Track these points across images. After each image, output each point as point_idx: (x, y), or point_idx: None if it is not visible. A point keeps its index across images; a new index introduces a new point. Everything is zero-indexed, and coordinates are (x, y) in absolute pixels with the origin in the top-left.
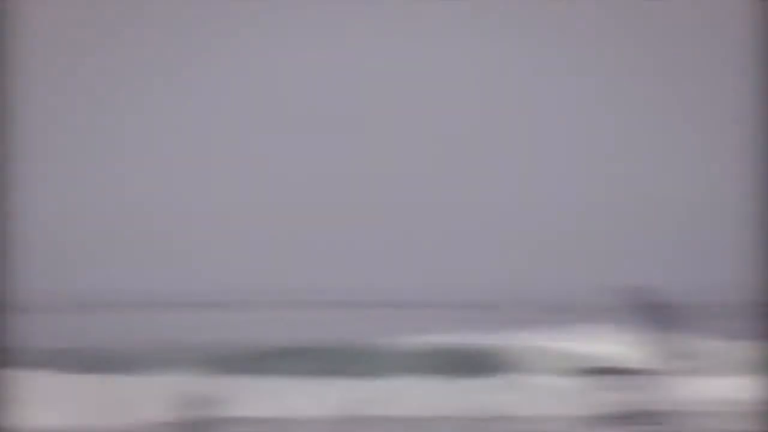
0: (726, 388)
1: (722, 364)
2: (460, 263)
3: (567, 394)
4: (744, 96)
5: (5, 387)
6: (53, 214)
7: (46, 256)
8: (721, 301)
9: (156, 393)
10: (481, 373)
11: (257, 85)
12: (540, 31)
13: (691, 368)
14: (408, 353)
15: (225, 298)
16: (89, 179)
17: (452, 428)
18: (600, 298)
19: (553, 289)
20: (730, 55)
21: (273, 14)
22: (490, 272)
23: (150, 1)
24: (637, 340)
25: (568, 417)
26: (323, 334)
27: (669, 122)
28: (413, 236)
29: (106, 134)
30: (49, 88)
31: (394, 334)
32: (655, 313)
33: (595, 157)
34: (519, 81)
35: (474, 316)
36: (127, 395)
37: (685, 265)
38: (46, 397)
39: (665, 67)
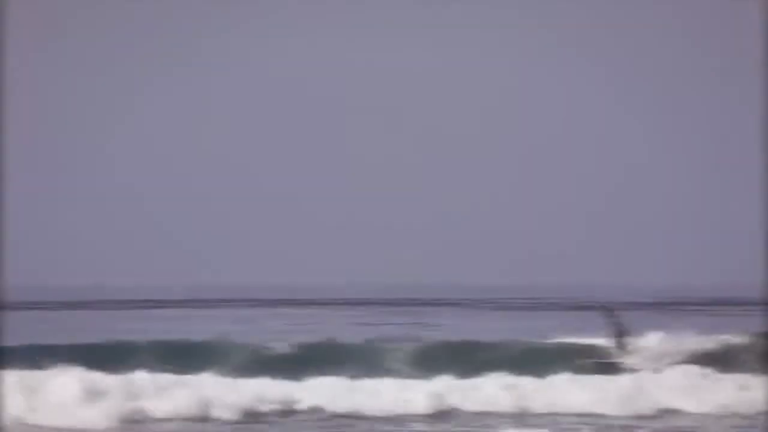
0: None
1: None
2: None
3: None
4: (755, 97)
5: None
6: (41, 214)
7: (35, 255)
8: (734, 299)
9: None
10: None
11: (250, 87)
12: (558, 33)
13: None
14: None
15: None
16: (77, 179)
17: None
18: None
19: (557, 288)
20: (743, 56)
21: (261, 15)
22: (495, 271)
23: (144, 2)
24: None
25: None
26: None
27: (682, 123)
28: (413, 235)
29: (94, 135)
30: (38, 87)
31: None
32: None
33: (605, 158)
34: (528, 80)
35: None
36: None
37: (696, 264)
38: (37, 395)
39: (678, 68)
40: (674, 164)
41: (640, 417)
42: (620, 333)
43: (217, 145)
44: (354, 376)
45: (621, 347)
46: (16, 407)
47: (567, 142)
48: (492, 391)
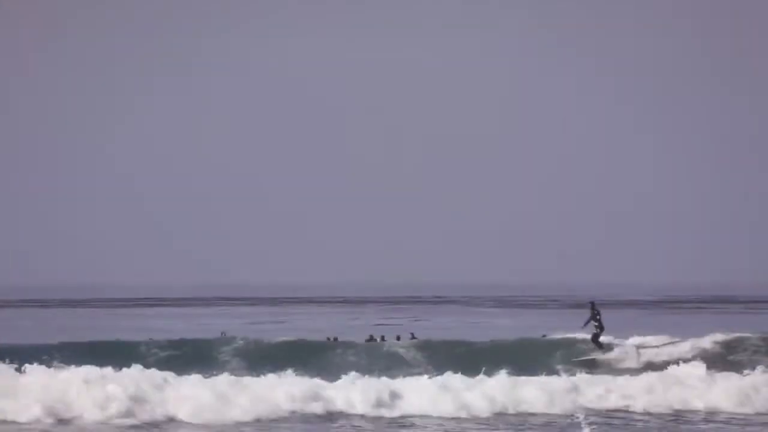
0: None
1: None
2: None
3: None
4: (755, 97)
5: None
6: (41, 213)
7: (35, 255)
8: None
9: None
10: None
11: (250, 88)
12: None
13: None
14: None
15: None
16: (77, 179)
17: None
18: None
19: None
20: (743, 56)
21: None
22: (495, 270)
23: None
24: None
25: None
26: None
27: (682, 123)
28: (409, 233)
29: (94, 135)
30: (38, 87)
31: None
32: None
33: (605, 159)
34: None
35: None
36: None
37: (696, 263)
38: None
39: (678, 69)
40: (675, 164)
41: (677, 414)
42: (600, 330)
43: (217, 145)
44: (366, 374)
45: (599, 344)
46: (27, 405)
47: (567, 143)
48: (529, 391)
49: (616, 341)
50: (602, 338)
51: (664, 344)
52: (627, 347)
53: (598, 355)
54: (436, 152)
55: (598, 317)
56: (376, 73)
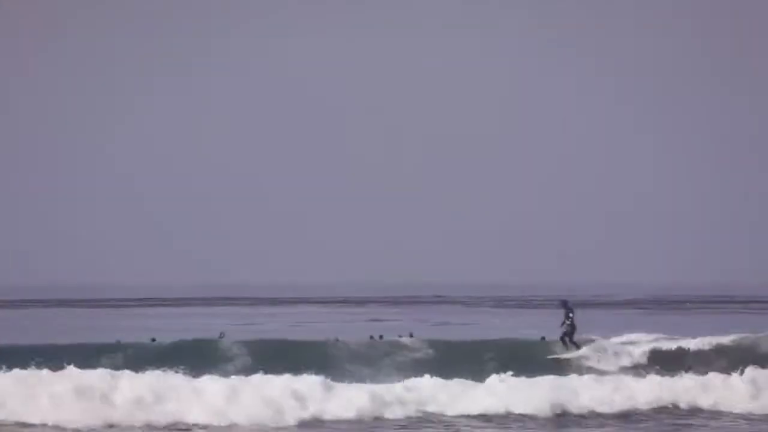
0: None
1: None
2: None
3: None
4: (755, 97)
5: None
6: (41, 213)
7: (35, 255)
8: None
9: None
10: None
11: (251, 88)
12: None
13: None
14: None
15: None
16: (77, 179)
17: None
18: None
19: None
20: (743, 56)
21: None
22: (495, 270)
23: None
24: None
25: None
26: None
27: (682, 123)
28: (409, 233)
29: (94, 135)
30: (39, 87)
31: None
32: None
33: (605, 159)
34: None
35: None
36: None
37: (696, 264)
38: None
39: (678, 69)
40: (675, 164)
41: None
42: (573, 329)
43: (217, 145)
44: (371, 374)
45: (574, 344)
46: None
47: (567, 143)
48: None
49: (605, 341)
50: (575, 337)
51: (660, 343)
52: (611, 346)
53: (570, 354)
54: (436, 152)
55: (570, 316)
56: (376, 73)
